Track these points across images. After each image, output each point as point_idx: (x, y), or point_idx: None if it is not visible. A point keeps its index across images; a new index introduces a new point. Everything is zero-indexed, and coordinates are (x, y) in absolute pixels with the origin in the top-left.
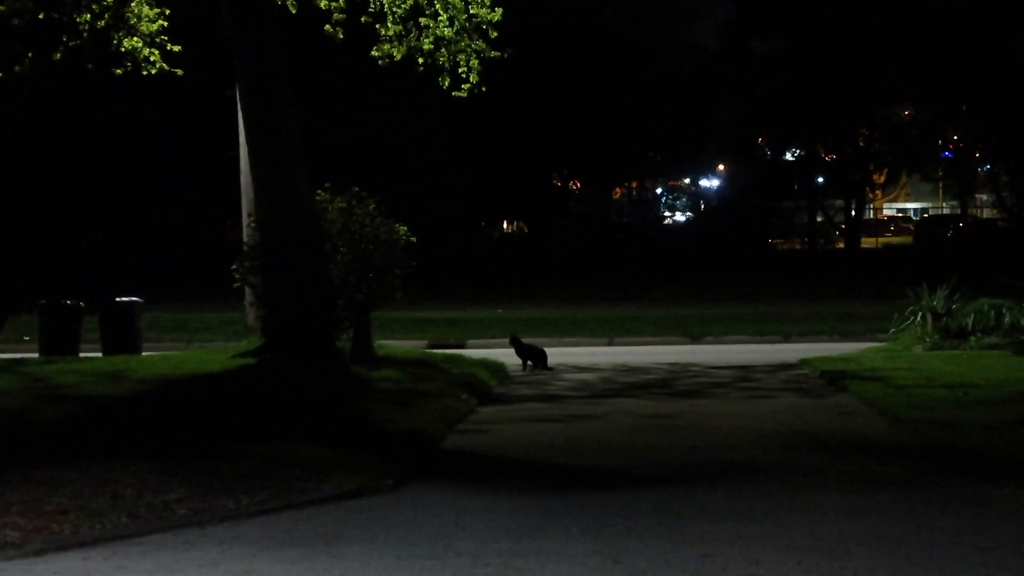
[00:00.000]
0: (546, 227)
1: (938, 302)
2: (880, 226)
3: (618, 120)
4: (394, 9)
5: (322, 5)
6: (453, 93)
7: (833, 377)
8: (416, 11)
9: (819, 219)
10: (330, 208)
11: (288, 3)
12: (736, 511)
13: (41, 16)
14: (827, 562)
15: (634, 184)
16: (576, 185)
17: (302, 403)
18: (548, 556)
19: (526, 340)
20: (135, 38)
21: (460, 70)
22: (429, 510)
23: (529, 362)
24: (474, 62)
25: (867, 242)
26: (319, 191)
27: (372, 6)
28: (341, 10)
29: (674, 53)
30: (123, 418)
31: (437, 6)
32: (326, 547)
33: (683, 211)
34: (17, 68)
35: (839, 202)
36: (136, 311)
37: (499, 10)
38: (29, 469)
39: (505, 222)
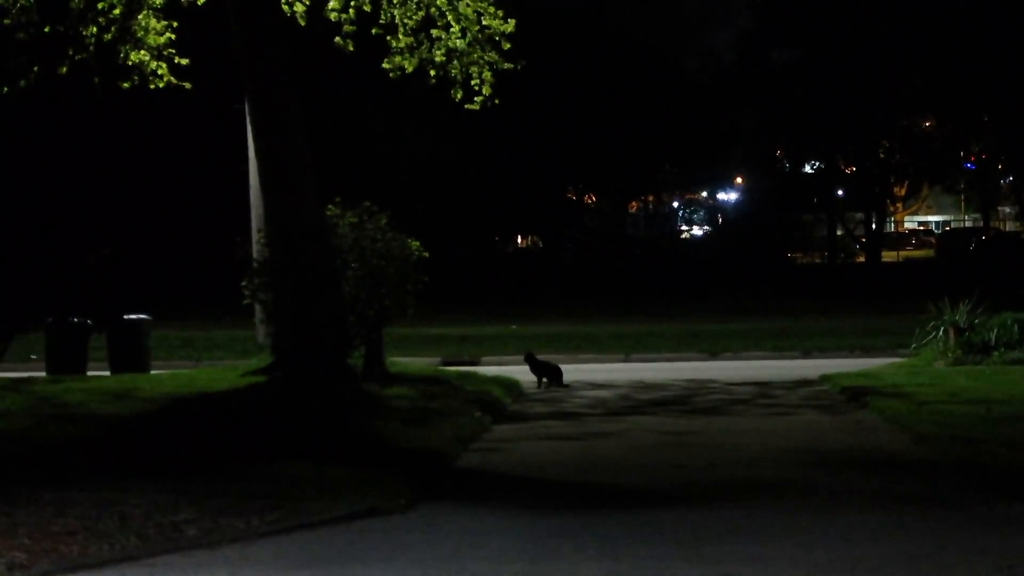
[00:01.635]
0: (561, 242)
1: (960, 316)
2: (901, 239)
3: (634, 132)
4: (405, 21)
5: (332, 17)
6: (466, 106)
7: (854, 393)
8: (428, 23)
9: (839, 232)
10: (341, 223)
11: (297, 16)
12: (756, 530)
13: (47, 29)
14: None
15: (650, 197)
16: (591, 199)
17: (313, 422)
18: None
19: (541, 357)
20: (142, 51)
21: (473, 82)
22: (443, 530)
23: (544, 379)
24: (487, 74)
25: (888, 255)
26: (329, 206)
27: (383, 18)
28: (351, 22)
29: (691, 64)
30: (131, 438)
31: (449, 18)
32: (339, 568)
33: (700, 225)
34: (23, 82)
35: (859, 215)
36: (144, 329)
37: (512, 21)
38: (36, 489)
39: (519, 237)
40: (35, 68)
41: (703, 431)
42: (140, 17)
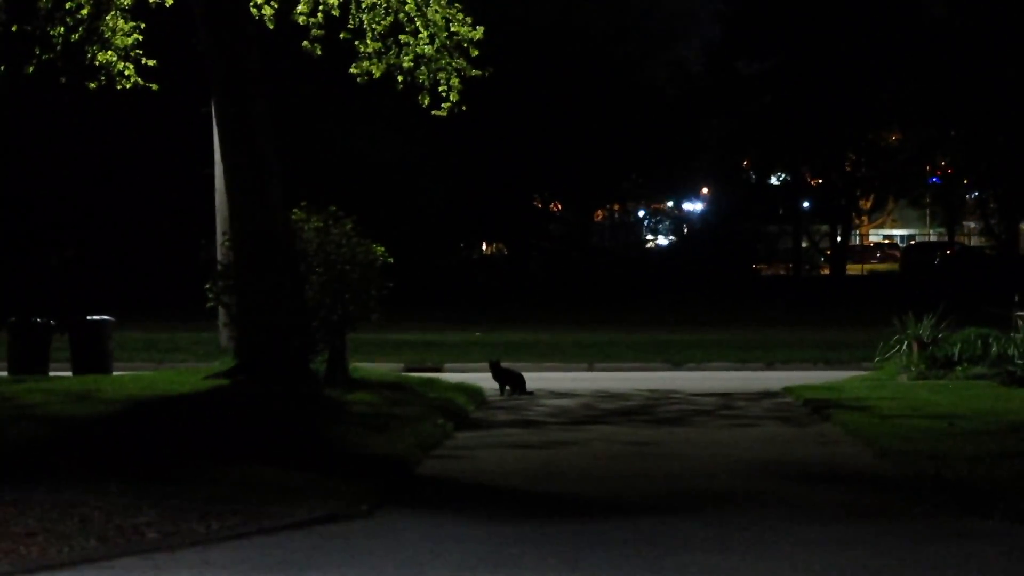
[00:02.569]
0: (526, 249)
1: (924, 331)
2: (866, 252)
3: (600, 141)
4: (373, 26)
5: (300, 21)
6: (433, 112)
7: (817, 406)
8: (396, 28)
9: (804, 244)
10: (306, 228)
11: (265, 19)
12: (716, 541)
13: (14, 28)
14: None
15: (616, 206)
16: (557, 207)
17: (275, 426)
18: None
19: (504, 364)
20: (109, 52)
21: (440, 88)
22: (403, 537)
23: (507, 387)
24: (454, 81)
25: (853, 268)
26: (295, 210)
27: (351, 23)
28: (319, 26)
29: (658, 74)
30: (93, 440)
31: (418, 23)
32: (299, 573)
33: (665, 234)
34: None
35: (824, 227)
36: (107, 330)
37: (480, 28)
38: None
39: (484, 244)
40: (1, 68)
41: (665, 441)
42: (108, 18)
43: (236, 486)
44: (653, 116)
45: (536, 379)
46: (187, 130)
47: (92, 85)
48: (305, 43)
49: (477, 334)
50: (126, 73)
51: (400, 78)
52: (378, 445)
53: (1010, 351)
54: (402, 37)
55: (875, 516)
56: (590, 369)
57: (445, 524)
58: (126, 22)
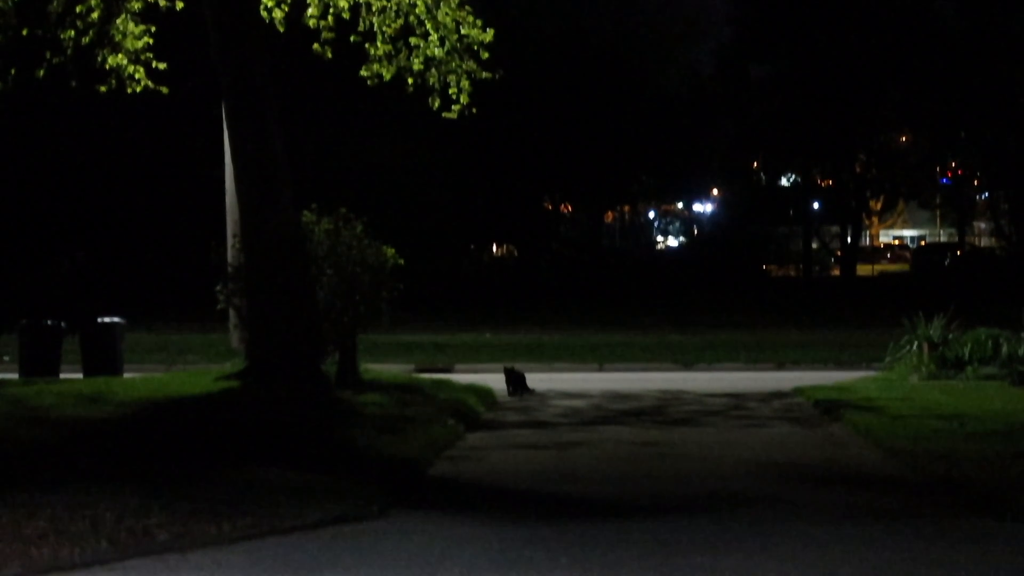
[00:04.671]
0: (536, 251)
1: (934, 331)
2: (876, 253)
3: (611, 143)
4: (384, 29)
5: (311, 24)
6: (443, 114)
7: (827, 407)
8: (406, 31)
9: (814, 245)
10: (316, 230)
11: (276, 22)
12: (727, 542)
13: (24, 32)
14: None
15: (626, 208)
16: (567, 209)
17: (286, 428)
18: None
19: (516, 366)
20: (120, 55)
21: (450, 91)
22: (415, 538)
23: (511, 386)
24: (465, 83)
25: (863, 269)
26: (305, 212)
27: (362, 25)
28: (330, 28)
29: (669, 77)
30: (104, 441)
31: (428, 26)
32: (308, 574)
33: (676, 236)
34: (0, 85)
35: (835, 228)
36: (118, 332)
37: (491, 31)
38: (7, 492)
39: (495, 245)
40: (12, 71)
41: (676, 442)
42: (118, 21)
43: (247, 488)
44: (663, 118)
45: (546, 380)
46: (197, 132)
47: (102, 88)
48: (316, 46)
49: (487, 335)
50: (136, 76)
51: (410, 80)
52: (389, 446)
53: (1020, 352)
54: (412, 40)
55: (885, 517)
56: (600, 370)
57: (456, 525)
58: (136, 25)
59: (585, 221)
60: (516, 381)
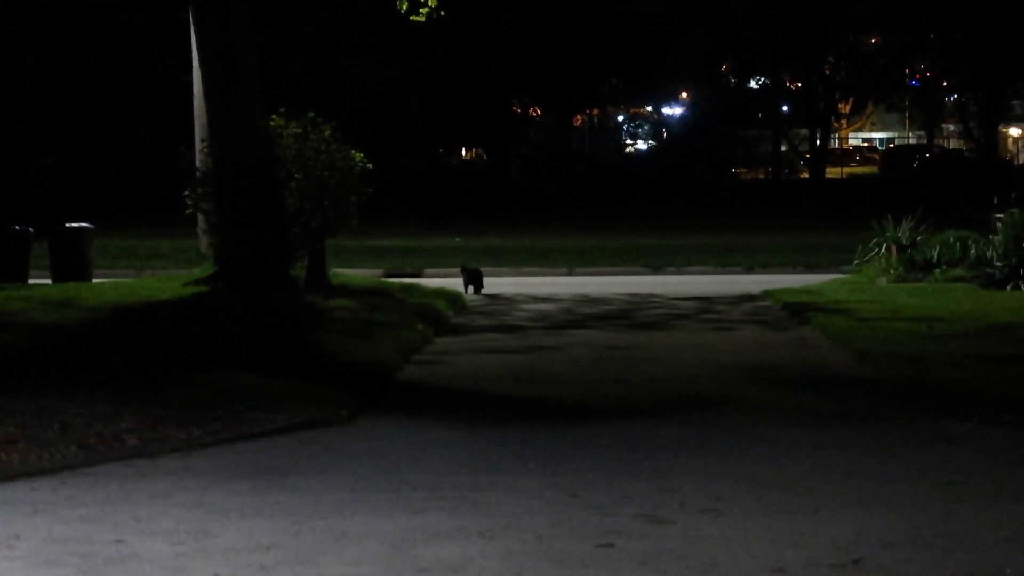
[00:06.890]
0: (505, 155)
1: (903, 234)
2: (845, 156)
3: (580, 45)
4: None
5: None
6: (411, 17)
7: (796, 309)
8: None
9: (783, 148)
10: (284, 134)
11: None
12: (696, 445)
13: None
14: (788, 497)
15: (595, 111)
16: (536, 112)
17: (255, 333)
18: (504, 490)
19: (481, 268)
20: None
21: None
22: (384, 442)
23: (470, 285)
24: None
25: (832, 172)
26: (273, 116)
27: None
28: None
29: None
30: (73, 347)
31: None
32: (279, 479)
33: (645, 139)
34: None
35: (804, 131)
36: (86, 238)
37: None
38: None
39: (464, 149)
40: None
41: (645, 346)
42: None
43: (216, 393)
44: (633, 20)
45: (516, 284)
46: (165, 36)
47: None
48: None
49: (457, 240)
50: None
51: None
52: (358, 351)
53: (989, 254)
54: None
55: (855, 419)
56: (570, 274)
57: (425, 430)
58: None
59: (554, 124)
60: (472, 278)
